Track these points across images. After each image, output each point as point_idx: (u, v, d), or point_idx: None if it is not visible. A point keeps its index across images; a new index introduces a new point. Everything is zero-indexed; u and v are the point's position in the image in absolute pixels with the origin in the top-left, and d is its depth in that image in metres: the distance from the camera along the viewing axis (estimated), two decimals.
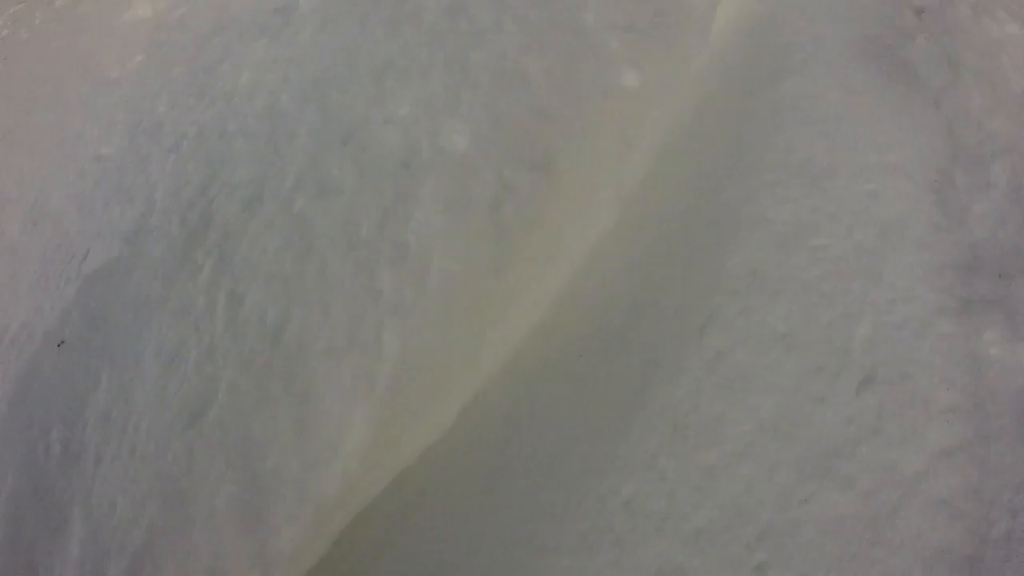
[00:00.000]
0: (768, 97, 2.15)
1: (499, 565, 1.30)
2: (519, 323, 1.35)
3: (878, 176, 1.84)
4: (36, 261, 1.91)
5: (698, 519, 1.25)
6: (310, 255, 1.24)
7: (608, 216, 1.53)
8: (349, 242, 1.23)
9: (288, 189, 1.37)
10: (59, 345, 1.43)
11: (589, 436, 1.39)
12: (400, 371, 1.15)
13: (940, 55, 2.52)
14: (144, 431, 1.18)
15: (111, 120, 2.39)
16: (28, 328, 1.57)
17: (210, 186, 1.51)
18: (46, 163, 2.49)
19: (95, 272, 1.55)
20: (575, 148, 1.42)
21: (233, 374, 1.17)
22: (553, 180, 1.33)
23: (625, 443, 1.34)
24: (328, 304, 1.18)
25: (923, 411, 1.37)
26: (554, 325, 1.51)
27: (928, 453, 1.31)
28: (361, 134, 1.42)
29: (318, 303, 1.18)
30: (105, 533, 1.17)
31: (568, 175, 1.38)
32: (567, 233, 1.40)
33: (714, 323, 1.47)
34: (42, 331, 1.50)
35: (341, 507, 1.21)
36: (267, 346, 1.17)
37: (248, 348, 1.18)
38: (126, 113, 2.37)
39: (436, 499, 1.41)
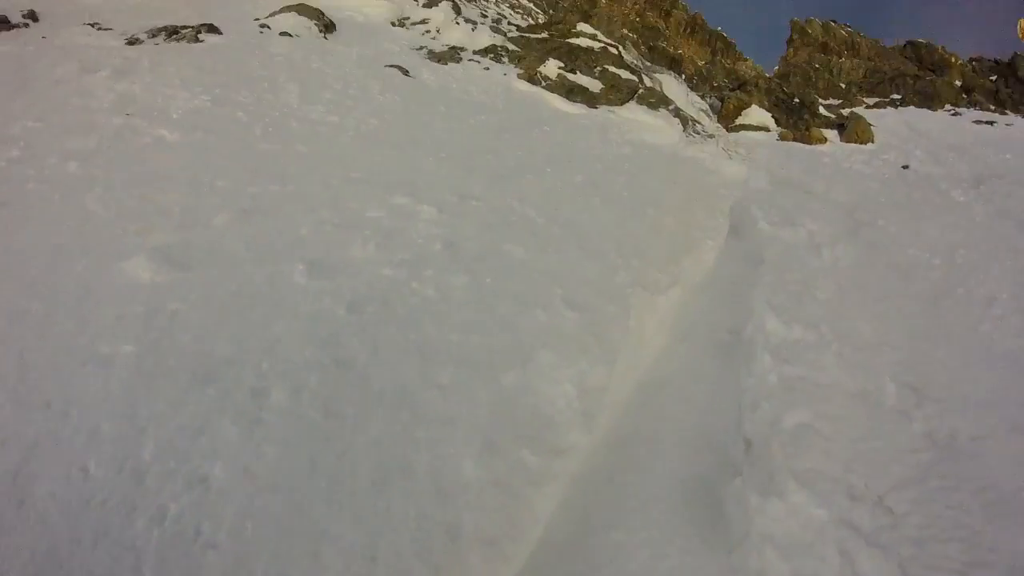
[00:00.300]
0: (592, 552, 2.97)
1: None
2: None
3: None
4: (25, 552, 2.41)
5: None
6: None
7: None
8: None
9: None
10: None
11: None
12: None
13: (747, 502, 3.11)
14: None
15: (97, 425, 2.96)
16: None
17: None
18: (31, 422, 2.93)
19: None
20: None
21: None
22: None
23: None
24: None
25: None
26: None
27: None
28: None
29: None
30: None
31: None
32: None
33: None
34: None
35: None
36: None
37: None
38: (111, 426, 2.95)
39: None
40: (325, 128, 7.41)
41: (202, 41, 10.64)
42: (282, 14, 13.03)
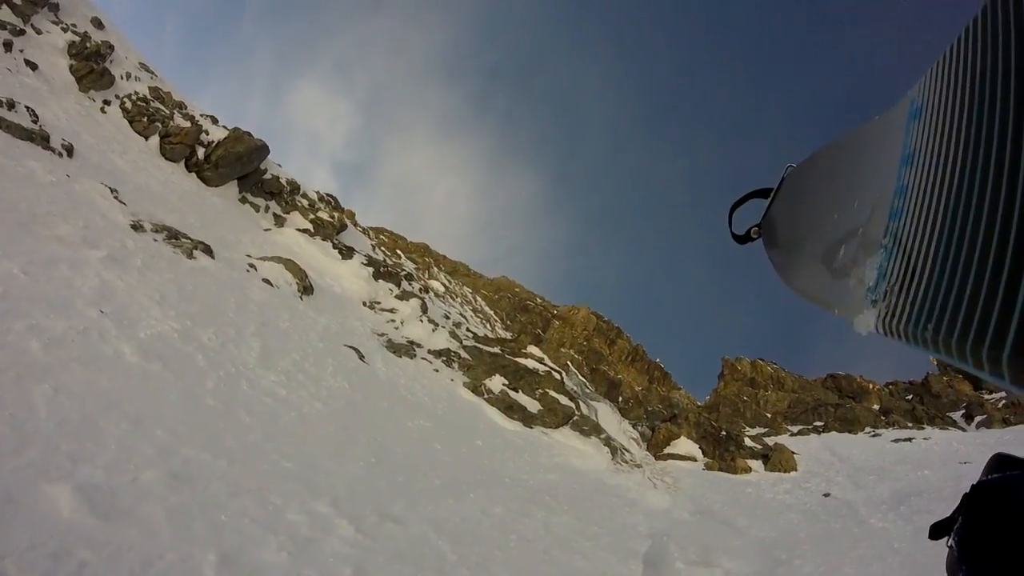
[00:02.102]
0: None
1: None
2: None
3: None
4: None
5: None
6: None
7: None
8: None
9: None
10: None
11: None
12: None
13: None
14: None
15: None
16: None
17: None
18: None
19: None
20: None
21: None
22: None
23: None
24: None
25: None
26: None
27: None
28: None
29: None
30: None
31: None
32: None
33: None
34: None
35: None
36: None
37: None
38: None
39: None
40: (271, 401, 7.62)
41: (194, 259, 11.21)
42: (271, 262, 13.97)
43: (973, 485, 1.04)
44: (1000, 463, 1.06)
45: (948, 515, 1.06)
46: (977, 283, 0.62)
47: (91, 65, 18.33)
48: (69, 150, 12.75)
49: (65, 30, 19.29)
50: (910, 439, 21.21)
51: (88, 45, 19.16)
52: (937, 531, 1.08)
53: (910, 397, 38.48)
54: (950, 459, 15.50)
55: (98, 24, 21.80)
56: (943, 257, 0.70)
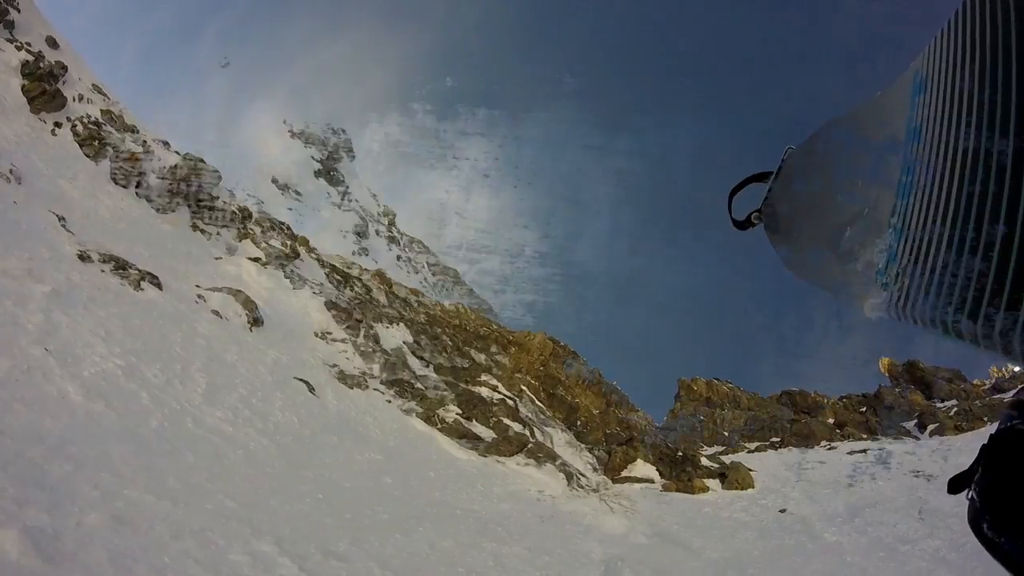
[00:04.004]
0: None
1: None
2: None
3: None
4: None
5: None
6: None
7: None
8: None
9: None
10: None
11: None
12: None
13: None
14: None
15: None
16: None
17: None
18: None
19: None
20: None
21: None
22: None
23: None
24: None
25: None
26: None
27: None
28: None
29: None
30: None
31: None
32: None
33: None
34: None
35: None
36: None
37: None
38: None
39: None
40: (218, 439, 7.66)
41: (142, 290, 11.17)
42: (221, 293, 13.94)
43: (991, 434, 1.00)
44: (1020, 409, 1.00)
45: (967, 467, 1.01)
46: (1003, 260, 0.59)
47: (43, 86, 18.11)
48: (18, 177, 12.63)
49: (19, 48, 19.02)
50: (865, 451, 21.38)
51: (41, 65, 18.92)
52: (956, 485, 1.02)
53: (864, 409, 39.28)
54: (903, 468, 15.95)
55: (52, 43, 21.53)
56: (958, 236, 0.67)
